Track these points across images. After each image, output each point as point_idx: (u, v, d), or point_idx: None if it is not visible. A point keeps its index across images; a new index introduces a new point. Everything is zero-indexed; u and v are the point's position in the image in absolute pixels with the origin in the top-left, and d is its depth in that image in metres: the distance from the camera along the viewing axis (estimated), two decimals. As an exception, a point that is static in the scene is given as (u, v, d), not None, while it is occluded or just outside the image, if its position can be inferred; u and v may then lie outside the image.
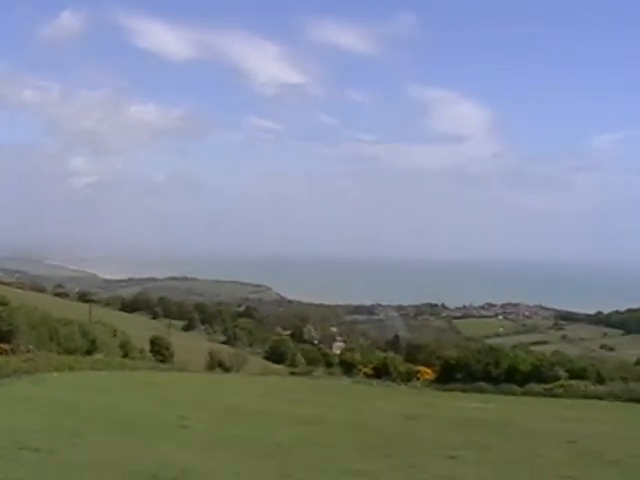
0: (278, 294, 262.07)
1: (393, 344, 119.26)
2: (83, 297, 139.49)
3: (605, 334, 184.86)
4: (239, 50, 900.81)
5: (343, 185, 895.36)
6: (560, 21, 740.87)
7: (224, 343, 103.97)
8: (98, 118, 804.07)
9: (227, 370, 53.64)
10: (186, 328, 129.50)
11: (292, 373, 51.25)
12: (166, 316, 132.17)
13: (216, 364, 55.43)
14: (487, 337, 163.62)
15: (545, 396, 34.81)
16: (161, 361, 54.01)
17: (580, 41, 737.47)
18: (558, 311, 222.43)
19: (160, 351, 58.21)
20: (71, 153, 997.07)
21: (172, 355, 58.73)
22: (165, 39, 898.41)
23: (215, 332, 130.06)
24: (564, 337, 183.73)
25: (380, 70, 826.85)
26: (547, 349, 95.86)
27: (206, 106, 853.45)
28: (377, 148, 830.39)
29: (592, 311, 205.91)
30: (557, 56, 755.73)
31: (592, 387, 35.71)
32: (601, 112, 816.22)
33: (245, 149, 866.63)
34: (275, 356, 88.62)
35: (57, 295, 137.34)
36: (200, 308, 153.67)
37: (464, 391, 37.49)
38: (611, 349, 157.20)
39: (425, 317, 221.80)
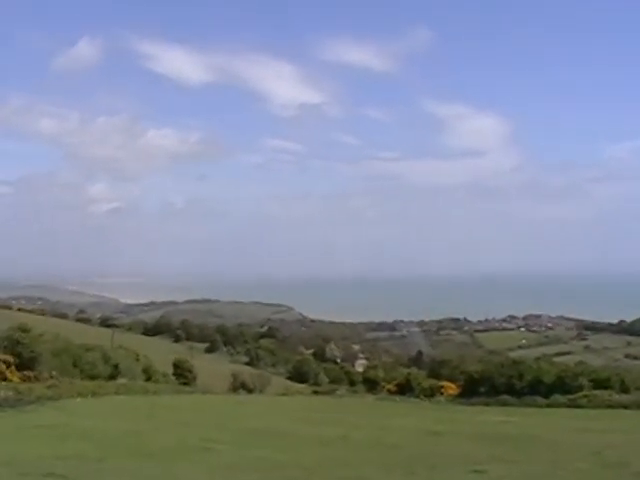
0: (300, 314, 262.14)
1: (416, 360, 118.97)
2: (105, 322, 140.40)
3: (629, 343, 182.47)
4: (255, 72, 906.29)
5: (362, 203, 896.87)
6: (574, 30, 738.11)
7: (247, 364, 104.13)
8: (116, 145, 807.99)
9: (250, 391, 53.73)
10: (208, 350, 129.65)
11: (315, 392, 50.97)
12: (188, 339, 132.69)
13: (239, 385, 55.55)
14: (510, 350, 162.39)
15: (569, 407, 34.71)
16: (184, 384, 54.07)
17: (596, 49, 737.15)
18: (581, 321, 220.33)
19: (183, 374, 58.27)
20: (90, 180, 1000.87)
21: (195, 378, 58.78)
22: (181, 63, 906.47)
23: (238, 353, 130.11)
24: (587, 347, 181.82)
25: (396, 87, 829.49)
26: (570, 360, 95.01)
27: (224, 129, 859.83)
28: (396, 165, 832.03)
29: (615, 320, 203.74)
30: (573, 65, 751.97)
31: (617, 396, 35.52)
32: (618, 120, 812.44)
33: (264, 171, 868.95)
34: (298, 376, 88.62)
35: (79, 321, 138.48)
36: (222, 330, 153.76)
37: (488, 405, 37.61)
38: (635, 358, 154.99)
39: (447, 332, 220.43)
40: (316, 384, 71.58)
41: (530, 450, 18.45)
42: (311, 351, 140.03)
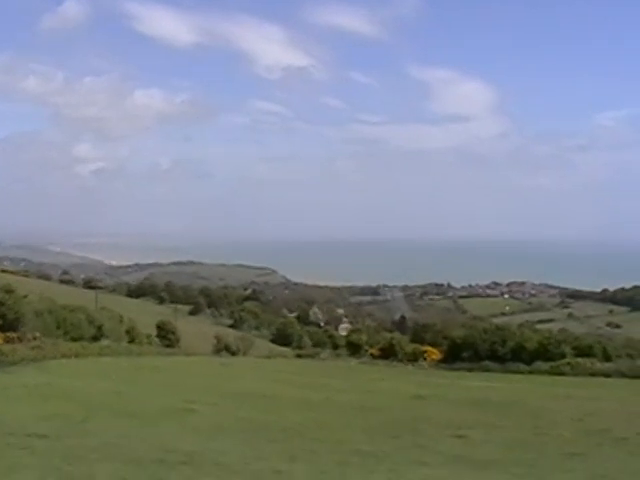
0: (284, 277, 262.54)
1: (399, 325, 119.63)
2: (89, 284, 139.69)
3: (611, 311, 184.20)
4: (243, 34, 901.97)
5: (348, 167, 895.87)
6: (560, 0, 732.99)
7: (230, 327, 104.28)
8: (102, 105, 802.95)
9: (234, 354, 53.96)
10: (192, 313, 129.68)
11: (298, 355, 51.32)
12: (172, 301, 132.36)
13: (223, 348, 55.76)
14: (493, 316, 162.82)
15: (552, 374, 35.02)
16: (168, 346, 54.26)
17: (584, 17, 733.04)
18: (564, 289, 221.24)
19: (167, 336, 58.45)
20: (76, 140, 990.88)
21: (179, 340, 58.99)
22: (168, 25, 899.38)
23: (221, 316, 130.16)
24: (570, 315, 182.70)
25: (384, 52, 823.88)
26: (553, 327, 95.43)
27: (211, 91, 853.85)
28: (381, 129, 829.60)
29: (598, 289, 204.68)
30: (560, 33, 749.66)
31: (599, 365, 36.02)
32: (605, 89, 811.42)
33: (250, 133, 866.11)
34: (281, 339, 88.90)
35: (63, 282, 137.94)
36: (206, 292, 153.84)
37: (471, 370, 37.83)
38: (617, 326, 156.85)
39: (431, 297, 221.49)
40: (299, 347, 71.89)
41: (513, 416, 18.73)
42: (294, 314, 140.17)
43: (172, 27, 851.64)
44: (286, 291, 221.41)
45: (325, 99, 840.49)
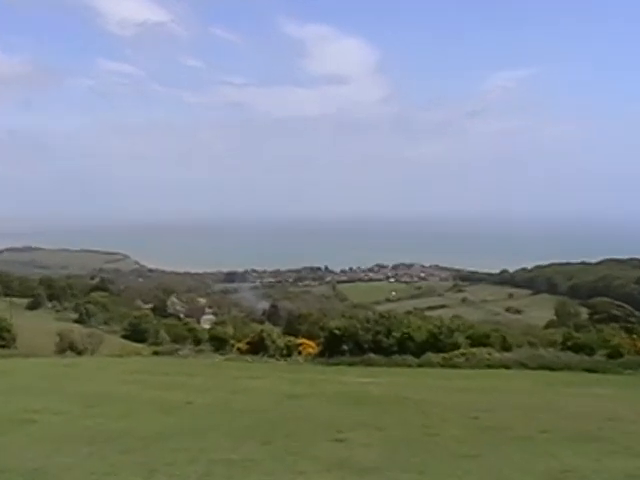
0: (137, 263, 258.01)
1: (271, 315, 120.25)
2: None
3: (511, 295, 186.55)
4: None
5: (209, 136, 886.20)
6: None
7: (76, 322, 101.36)
8: None
9: (80, 353, 52.49)
10: (31, 307, 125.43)
11: (155, 353, 50.17)
12: (6, 294, 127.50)
13: (67, 346, 54.11)
14: (377, 303, 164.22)
15: (444, 367, 35.04)
16: (2, 347, 52.27)
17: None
18: (458, 271, 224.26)
19: (1, 335, 56.29)
20: None
21: (15, 339, 56.90)
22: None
23: (65, 310, 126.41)
24: (464, 300, 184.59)
25: (252, 5, 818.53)
26: (445, 314, 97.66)
27: (54, 50, 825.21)
28: (248, 92, 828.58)
29: (496, 270, 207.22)
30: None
31: (497, 355, 36.32)
32: (493, 51, 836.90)
33: (99, 99, 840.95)
34: (135, 334, 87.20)
35: None
36: (46, 283, 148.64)
37: (352, 365, 37.66)
38: (518, 311, 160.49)
39: (306, 283, 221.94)
40: (156, 343, 70.64)
41: (399, 414, 18.88)
42: (150, 305, 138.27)
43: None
44: (140, 279, 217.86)
45: (185, 59, 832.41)
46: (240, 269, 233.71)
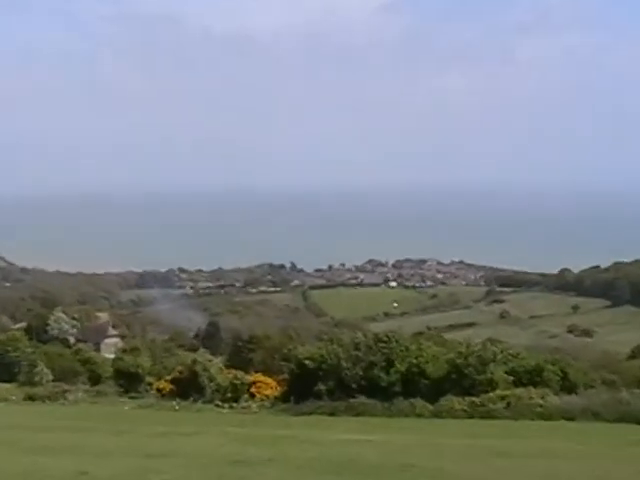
0: (1, 259, 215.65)
1: (209, 337, 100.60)
2: None
3: (576, 308, 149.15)
4: None
5: (116, 66, 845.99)
6: None
7: None
8: None
9: None
10: None
11: (30, 397, 42.10)
12: None
13: None
14: (371, 319, 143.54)
15: (472, 417, 29.96)
16: None
17: None
18: (494, 270, 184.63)
19: None
20: None
21: None
22: None
23: None
24: (504, 314, 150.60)
25: None
26: (476, 335, 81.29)
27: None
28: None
29: (553, 270, 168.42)
30: None
31: (554, 399, 30.58)
32: None
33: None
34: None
35: None
36: None
37: (332, 414, 31.95)
38: (587, 333, 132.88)
39: (263, 289, 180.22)
40: (32, 383, 55.36)
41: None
42: (22, 324, 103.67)
43: None
44: (7, 284, 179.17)
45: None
46: (161, 268, 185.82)
